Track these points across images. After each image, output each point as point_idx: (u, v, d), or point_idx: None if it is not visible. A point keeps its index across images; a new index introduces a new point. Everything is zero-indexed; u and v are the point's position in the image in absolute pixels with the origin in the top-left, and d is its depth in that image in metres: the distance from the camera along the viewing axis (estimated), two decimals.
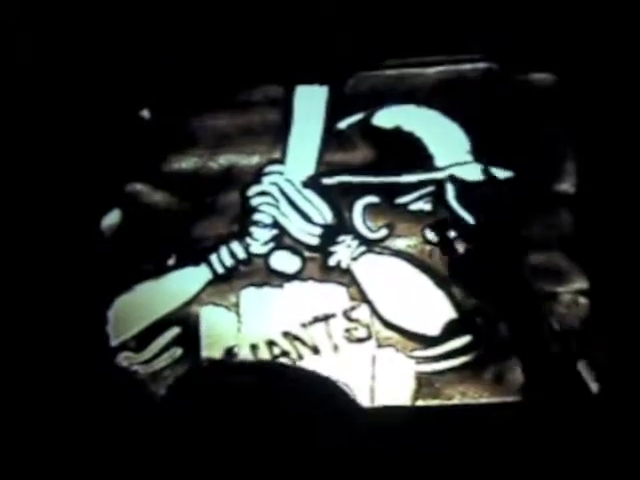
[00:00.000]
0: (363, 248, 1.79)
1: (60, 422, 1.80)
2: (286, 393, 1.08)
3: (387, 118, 1.80)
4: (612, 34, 1.75)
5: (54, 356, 1.81)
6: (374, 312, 1.78)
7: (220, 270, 1.82)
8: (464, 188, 1.78)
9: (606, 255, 1.75)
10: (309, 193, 1.81)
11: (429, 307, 1.78)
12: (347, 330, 1.78)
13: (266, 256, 1.82)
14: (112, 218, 1.85)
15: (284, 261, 1.81)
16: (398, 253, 1.79)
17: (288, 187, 1.81)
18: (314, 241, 1.81)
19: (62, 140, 1.83)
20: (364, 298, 1.78)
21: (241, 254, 1.82)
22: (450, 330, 1.77)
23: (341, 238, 1.80)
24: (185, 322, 1.83)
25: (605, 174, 1.75)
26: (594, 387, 1.75)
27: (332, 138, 1.81)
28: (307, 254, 1.81)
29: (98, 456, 1.79)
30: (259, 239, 1.82)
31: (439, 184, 1.78)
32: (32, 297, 1.83)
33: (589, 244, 1.76)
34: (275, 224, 1.82)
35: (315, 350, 1.79)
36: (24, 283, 1.83)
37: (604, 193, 1.75)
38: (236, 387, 1.03)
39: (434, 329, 1.78)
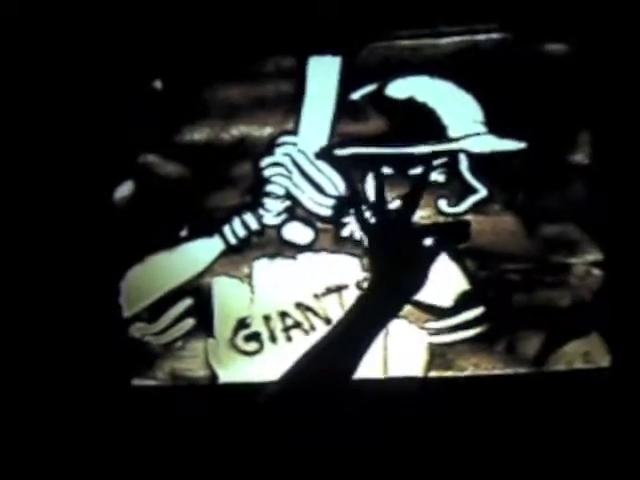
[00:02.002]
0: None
1: (73, 393, 1.82)
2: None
3: (400, 89, 1.79)
4: (626, 4, 1.74)
5: (67, 328, 1.82)
6: None
7: (233, 241, 1.82)
8: (477, 159, 1.77)
9: (620, 226, 1.74)
10: (322, 164, 1.80)
11: (442, 278, 1.77)
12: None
13: (279, 227, 1.82)
14: (124, 189, 1.85)
15: (297, 232, 1.81)
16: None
17: (301, 158, 1.80)
18: (327, 212, 1.80)
19: (74, 112, 1.82)
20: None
21: (254, 225, 1.82)
22: (463, 301, 1.77)
23: (353, 209, 1.79)
24: (198, 293, 1.83)
25: (619, 145, 1.74)
26: (606, 359, 1.76)
27: (345, 109, 1.80)
28: (320, 225, 1.81)
29: (109, 426, 1.81)
30: (272, 210, 1.81)
31: (452, 155, 1.77)
32: (45, 269, 1.83)
33: (603, 215, 1.75)
34: (288, 195, 1.81)
35: (327, 321, 1.79)
36: (37, 256, 1.83)
37: (618, 164, 1.74)
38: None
39: (447, 300, 1.77)
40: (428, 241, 1.21)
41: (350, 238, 1.80)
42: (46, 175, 1.83)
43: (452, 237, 1.24)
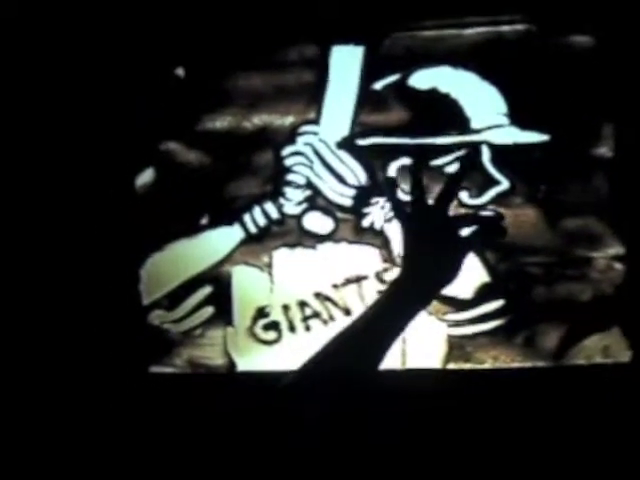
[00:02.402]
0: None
1: (92, 380, 1.82)
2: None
3: (423, 79, 1.78)
4: None
5: (87, 315, 1.83)
6: None
7: (253, 230, 1.82)
8: (500, 151, 1.76)
9: None
10: (343, 154, 1.80)
11: (462, 270, 1.77)
12: (379, 292, 1.77)
13: (299, 217, 1.81)
14: (146, 177, 1.85)
15: (317, 222, 1.81)
16: None
17: (322, 148, 1.80)
18: (347, 202, 1.80)
19: (97, 99, 1.82)
20: (397, 260, 1.77)
21: (274, 214, 1.82)
22: (483, 294, 1.76)
23: (375, 200, 1.79)
24: (217, 281, 1.83)
25: None
26: (627, 354, 1.75)
27: (367, 99, 1.79)
28: (340, 215, 1.80)
29: (127, 413, 1.82)
30: (292, 199, 1.81)
31: (475, 147, 1.77)
32: (65, 256, 1.84)
33: (625, 209, 1.74)
34: (309, 185, 1.81)
35: (347, 311, 1.79)
36: (58, 243, 1.84)
37: None
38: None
39: (466, 292, 1.77)
40: (463, 232, 1.20)
41: (370, 228, 1.79)
42: (68, 163, 1.84)
43: (487, 230, 1.23)
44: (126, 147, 1.83)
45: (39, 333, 1.84)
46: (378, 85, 1.80)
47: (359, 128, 1.80)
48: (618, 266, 1.75)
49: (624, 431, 1.70)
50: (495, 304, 1.76)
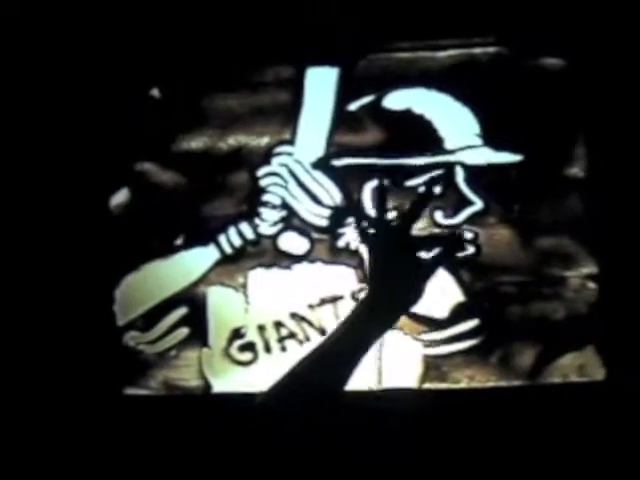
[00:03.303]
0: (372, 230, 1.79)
1: (65, 402, 1.80)
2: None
3: (398, 100, 1.80)
4: (622, 20, 1.75)
5: (61, 335, 1.81)
6: None
7: (228, 250, 1.82)
8: (474, 171, 1.77)
9: (615, 240, 1.75)
10: (318, 174, 1.80)
11: (437, 290, 1.78)
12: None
13: (274, 237, 1.81)
14: (120, 197, 1.84)
15: (292, 242, 1.81)
16: None
17: (297, 168, 1.80)
18: (323, 222, 1.80)
19: (71, 118, 1.82)
20: None
21: (250, 235, 1.82)
22: (458, 313, 1.77)
23: (350, 220, 1.79)
24: (192, 302, 1.82)
25: (615, 159, 1.75)
26: (601, 372, 1.76)
27: (342, 120, 1.80)
28: (316, 235, 1.81)
29: (102, 435, 1.80)
30: (268, 220, 1.81)
31: (449, 167, 1.78)
32: (40, 276, 1.82)
33: (598, 229, 1.76)
34: (284, 205, 1.81)
35: (322, 332, 1.78)
36: (32, 262, 1.83)
37: (613, 178, 1.75)
38: None
39: (442, 312, 1.77)
40: (426, 254, 1.21)
41: (346, 249, 1.80)
42: (42, 182, 1.83)
43: (449, 249, 1.24)
44: (101, 167, 1.83)
45: (14, 353, 1.82)
46: (353, 106, 1.81)
47: (334, 149, 1.81)
48: (591, 285, 1.76)
49: (599, 449, 1.71)
50: (470, 323, 1.77)
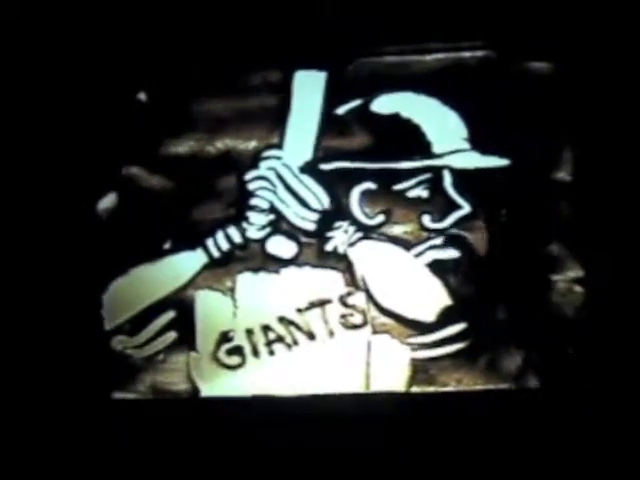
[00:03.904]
0: (360, 234, 1.79)
1: (53, 406, 1.80)
2: None
3: (385, 104, 1.80)
4: (608, 24, 1.76)
5: (48, 340, 1.81)
6: (370, 298, 1.78)
7: (216, 254, 1.82)
8: (461, 175, 1.78)
9: (602, 244, 1.75)
10: (306, 178, 1.80)
11: (425, 294, 1.78)
12: (343, 316, 1.78)
13: (263, 241, 1.81)
14: (108, 201, 1.84)
15: (280, 246, 1.81)
16: (395, 239, 1.79)
17: (285, 172, 1.80)
18: (311, 226, 1.80)
19: (58, 123, 1.82)
20: (360, 284, 1.78)
21: (237, 239, 1.81)
22: (445, 317, 1.78)
23: (338, 224, 1.79)
24: (180, 306, 1.82)
25: (601, 163, 1.76)
26: (587, 374, 1.77)
27: (330, 124, 1.80)
28: (304, 239, 1.81)
29: (89, 440, 1.80)
30: (256, 224, 1.81)
31: (436, 171, 1.78)
32: (27, 280, 1.82)
33: (585, 232, 1.77)
34: (272, 209, 1.81)
35: (311, 336, 1.79)
36: (19, 267, 1.82)
37: (600, 181, 1.76)
38: None
39: (429, 316, 1.78)
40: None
41: (334, 252, 1.80)
42: (29, 186, 1.82)
43: None
44: (88, 172, 1.82)
45: (1, 359, 1.82)
46: (341, 110, 1.81)
47: (322, 153, 1.81)
48: (578, 289, 1.77)
49: (587, 451, 1.72)
50: (458, 327, 1.77)
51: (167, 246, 1.83)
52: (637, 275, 1.74)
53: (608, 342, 1.74)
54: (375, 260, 1.79)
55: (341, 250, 1.79)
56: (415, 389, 1.79)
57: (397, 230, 1.79)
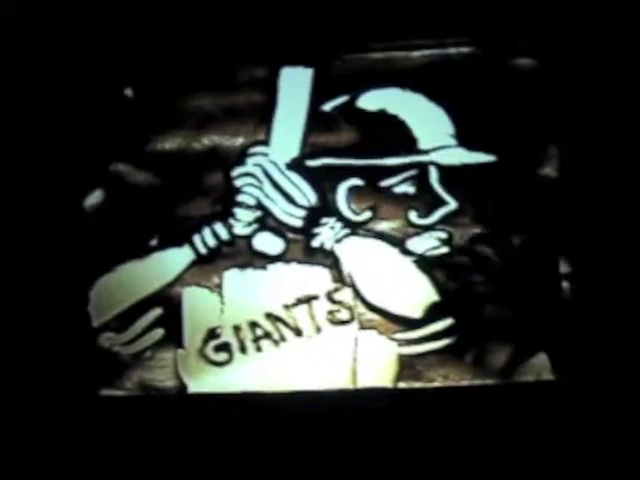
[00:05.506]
0: (347, 230, 1.80)
1: (40, 403, 1.80)
2: None
3: (372, 101, 1.80)
4: (593, 21, 1.77)
5: (35, 336, 1.81)
6: (357, 294, 1.78)
7: (203, 251, 1.82)
8: (447, 172, 1.78)
9: (588, 239, 1.76)
10: (293, 175, 1.81)
11: (411, 290, 1.79)
12: (330, 312, 1.78)
13: (249, 237, 1.82)
14: (95, 198, 1.84)
15: (267, 242, 1.81)
16: (381, 235, 1.80)
17: (272, 168, 1.81)
18: (298, 223, 1.81)
19: (45, 119, 1.81)
20: (347, 280, 1.79)
21: (224, 235, 1.82)
22: (432, 313, 1.78)
23: (325, 220, 1.80)
24: (167, 303, 1.82)
25: (587, 159, 1.77)
26: (573, 372, 1.78)
27: (317, 120, 1.81)
28: (290, 236, 1.81)
29: (77, 436, 1.80)
30: (242, 220, 1.81)
31: (423, 167, 1.79)
32: (14, 277, 1.82)
33: (571, 227, 1.77)
34: (259, 205, 1.82)
35: (298, 332, 1.79)
36: (5, 263, 1.82)
37: (586, 177, 1.76)
38: None
39: (416, 312, 1.78)
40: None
41: (321, 249, 1.80)
42: (16, 182, 1.82)
43: None
44: (75, 168, 1.82)
45: None
46: (327, 106, 1.81)
47: (309, 149, 1.81)
48: (565, 284, 1.78)
49: (572, 446, 1.72)
50: (444, 323, 1.78)
51: (154, 243, 1.83)
52: (623, 270, 1.75)
53: (595, 337, 1.75)
54: (362, 256, 1.79)
55: (328, 246, 1.80)
56: (402, 385, 1.79)
57: (383, 226, 1.80)
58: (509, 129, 1.78)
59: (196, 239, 1.81)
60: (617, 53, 1.75)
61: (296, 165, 1.81)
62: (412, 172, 1.78)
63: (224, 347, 1.81)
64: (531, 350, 1.78)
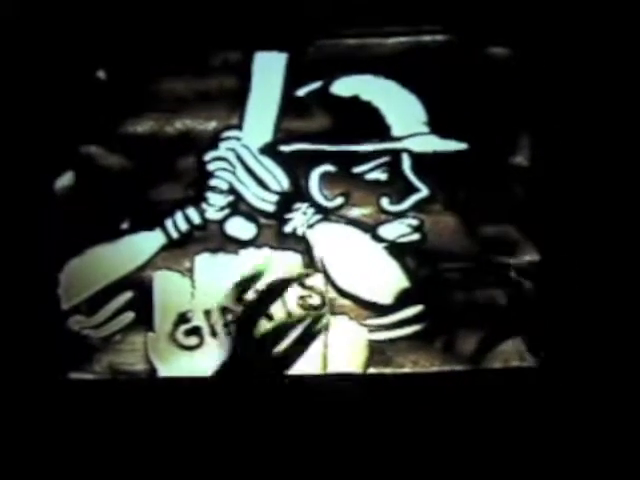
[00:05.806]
0: (319, 216, 1.80)
1: (8, 387, 1.79)
2: None
3: (345, 87, 1.80)
4: (567, 10, 1.78)
5: (3, 319, 1.79)
6: (328, 280, 1.79)
7: (175, 235, 1.81)
8: (420, 159, 1.79)
9: (558, 228, 1.78)
10: (266, 160, 1.80)
11: (382, 276, 1.80)
12: (301, 297, 1.79)
13: (221, 222, 1.81)
14: (65, 180, 1.82)
15: (239, 227, 1.81)
16: (353, 222, 1.80)
17: (245, 153, 1.80)
18: (270, 208, 1.81)
19: (15, 100, 1.79)
20: (319, 266, 1.79)
21: (196, 219, 1.81)
22: (402, 299, 1.79)
23: (297, 205, 1.80)
24: (138, 287, 1.81)
25: (559, 148, 1.78)
26: (540, 358, 1.80)
27: (290, 105, 1.80)
28: (263, 221, 1.81)
29: (45, 421, 1.79)
30: (215, 205, 1.81)
31: (395, 154, 1.79)
32: None
33: (541, 217, 1.79)
34: (231, 190, 1.81)
35: (269, 317, 1.79)
36: None
37: (557, 167, 1.78)
38: None
39: (387, 298, 1.79)
40: None
41: (293, 234, 1.80)
42: None
43: None
44: (45, 150, 1.80)
45: None
46: (301, 92, 1.81)
47: (282, 134, 1.81)
48: (534, 272, 1.79)
49: (540, 433, 1.75)
50: (414, 309, 1.79)
51: (125, 226, 1.82)
52: (592, 260, 1.77)
53: (563, 326, 1.77)
54: (334, 242, 1.80)
55: (300, 232, 1.80)
56: (372, 370, 1.80)
57: (356, 212, 1.80)
58: (482, 117, 1.79)
59: (168, 223, 1.80)
60: (590, 43, 1.77)
61: (269, 150, 1.80)
62: (385, 159, 1.79)
63: (195, 331, 1.81)
64: (500, 337, 1.80)
